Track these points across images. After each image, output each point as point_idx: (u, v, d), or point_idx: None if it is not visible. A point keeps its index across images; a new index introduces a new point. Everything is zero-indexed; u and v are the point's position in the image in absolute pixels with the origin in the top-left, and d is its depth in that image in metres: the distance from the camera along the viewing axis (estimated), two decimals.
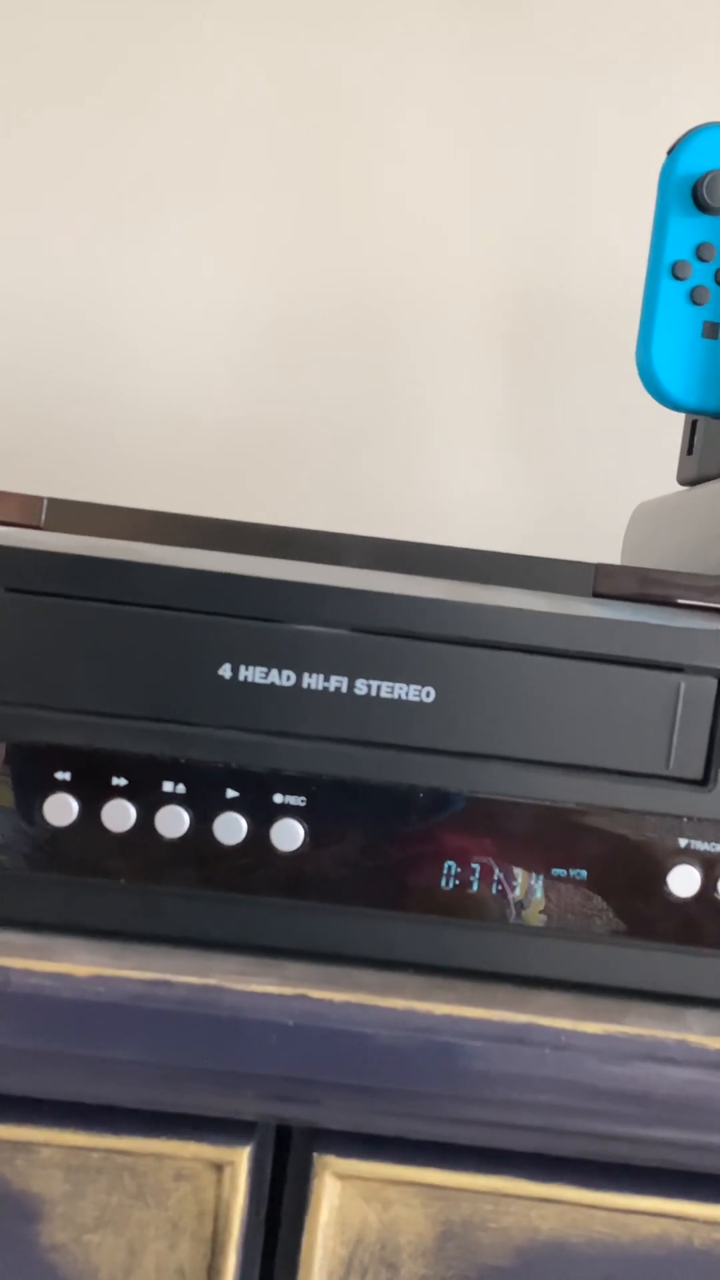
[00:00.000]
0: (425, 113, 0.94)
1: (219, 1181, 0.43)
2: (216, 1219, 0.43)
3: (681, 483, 0.68)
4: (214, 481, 0.93)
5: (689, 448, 0.67)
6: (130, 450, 0.94)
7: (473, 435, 0.95)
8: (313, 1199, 0.43)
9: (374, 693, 0.43)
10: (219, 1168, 0.43)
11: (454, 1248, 0.44)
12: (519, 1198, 0.43)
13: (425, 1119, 0.42)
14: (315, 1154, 0.43)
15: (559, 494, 0.95)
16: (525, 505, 0.95)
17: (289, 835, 0.43)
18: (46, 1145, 0.43)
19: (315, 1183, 0.43)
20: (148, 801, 0.43)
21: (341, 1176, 0.43)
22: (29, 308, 0.94)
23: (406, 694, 0.43)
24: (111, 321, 0.94)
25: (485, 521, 0.94)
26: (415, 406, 0.95)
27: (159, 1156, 0.43)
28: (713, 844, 0.43)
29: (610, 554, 0.79)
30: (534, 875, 0.44)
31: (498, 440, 0.95)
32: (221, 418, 0.94)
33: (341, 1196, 0.43)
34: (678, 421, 0.70)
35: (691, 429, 0.67)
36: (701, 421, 0.65)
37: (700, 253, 0.62)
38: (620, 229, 0.89)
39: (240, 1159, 0.43)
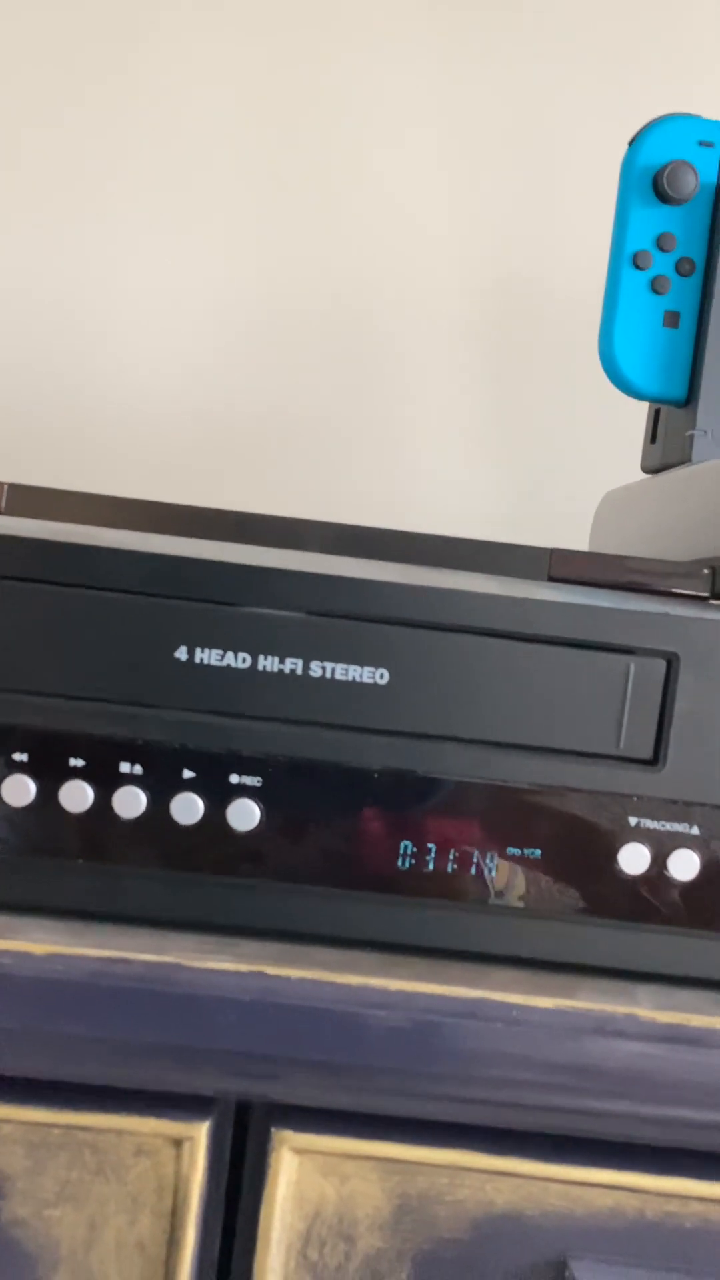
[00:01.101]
0: (406, 112, 0.95)
1: (178, 1157, 0.44)
2: (176, 1193, 0.44)
3: (645, 470, 0.68)
4: (194, 473, 0.94)
5: (652, 436, 0.67)
6: (109, 444, 0.94)
7: (451, 426, 0.96)
8: (271, 1173, 0.44)
9: (329, 675, 0.44)
10: (178, 1143, 0.43)
11: (410, 1221, 0.44)
12: (474, 1171, 0.44)
13: (381, 1093, 0.43)
14: (273, 1129, 0.44)
15: (535, 482, 0.95)
16: (502, 494, 0.95)
17: (245, 815, 0.44)
18: (7, 1122, 0.43)
19: (273, 1157, 0.44)
20: (105, 782, 0.44)
21: (299, 1151, 0.44)
22: (10, 300, 0.94)
23: (361, 676, 0.44)
24: (92, 317, 0.94)
25: (462, 510, 0.95)
26: (394, 399, 0.95)
27: (119, 1132, 0.43)
28: (662, 823, 0.44)
29: (586, 541, 0.79)
30: (488, 854, 0.45)
31: (475, 431, 0.96)
32: (203, 411, 0.95)
33: (299, 1171, 0.44)
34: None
35: (654, 417, 0.67)
36: (664, 410, 0.66)
37: (661, 243, 0.63)
38: (594, 223, 0.90)
39: (199, 1134, 0.43)
